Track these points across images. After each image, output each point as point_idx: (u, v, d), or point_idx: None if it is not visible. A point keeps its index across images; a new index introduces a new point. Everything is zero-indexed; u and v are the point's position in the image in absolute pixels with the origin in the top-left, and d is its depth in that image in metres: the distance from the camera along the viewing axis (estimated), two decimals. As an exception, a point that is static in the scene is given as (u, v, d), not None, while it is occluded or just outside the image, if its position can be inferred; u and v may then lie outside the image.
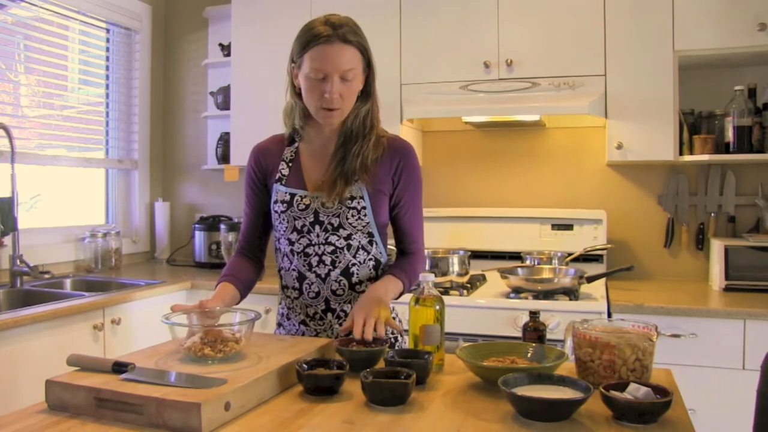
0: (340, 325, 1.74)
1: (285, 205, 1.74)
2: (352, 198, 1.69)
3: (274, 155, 1.81)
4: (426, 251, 2.92)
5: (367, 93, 1.74)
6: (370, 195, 1.70)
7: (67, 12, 3.43)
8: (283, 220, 1.75)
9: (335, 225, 1.70)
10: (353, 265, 1.73)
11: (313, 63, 1.61)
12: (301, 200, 1.72)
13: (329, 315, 1.75)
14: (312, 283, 1.74)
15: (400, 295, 1.76)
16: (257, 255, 1.87)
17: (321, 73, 1.61)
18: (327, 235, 1.70)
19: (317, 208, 1.70)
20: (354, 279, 1.73)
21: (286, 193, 1.74)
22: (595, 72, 2.86)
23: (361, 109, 1.72)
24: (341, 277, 1.73)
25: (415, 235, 1.82)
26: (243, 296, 1.76)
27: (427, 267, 2.79)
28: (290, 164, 1.78)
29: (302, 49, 1.64)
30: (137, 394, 1.15)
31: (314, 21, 1.65)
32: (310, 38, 1.62)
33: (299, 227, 1.72)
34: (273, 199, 1.78)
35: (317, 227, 1.70)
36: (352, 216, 1.69)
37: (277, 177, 1.78)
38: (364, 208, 1.70)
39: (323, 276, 1.73)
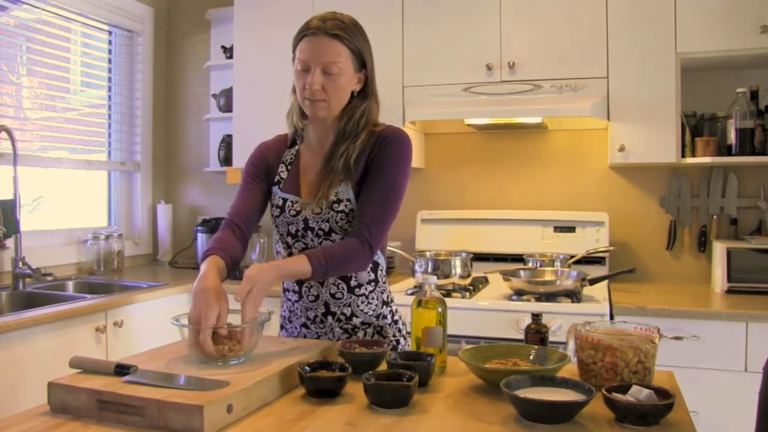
0: (341, 328, 1.74)
1: (278, 209, 1.74)
2: (339, 201, 1.67)
3: (277, 155, 1.81)
4: (429, 253, 2.95)
5: (365, 93, 1.73)
6: (356, 196, 1.68)
7: (69, 14, 3.43)
8: (279, 224, 1.75)
9: (326, 230, 1.68)
10: None
11: (299, 55, 1.64)
12: (293, 206, 1.72)
13: (330, 318, 1.74)
14: (311, 287, 1.73)
15: (310, 280, 1.63)
16: (244, 231, 1.74)
17: (304, 64, 1.63)
18: (320, 240, 1.69)
19: (307, 215, 1.69)
20: (353, 282, 1.72)
21: (280, 198, 1.74)
22: (598, 74, 2.86)
23: (357, 108, 1.70)
24: (339, 281, 1.72)
25: (363, 216, 1.63)
26: (230, 274, 1.66)
27: (430, 269, 2.79)
28: (289, 167, 1.78)
29: (294, 42, 1.67)
30: (139, 396, 1.15)
31: (313, 16, 1.67)
32: (300, 30, 1.65)
33: (293, 232, 1.72)
34: (271, 202, 1.78)
35: (309, 233, 1.70)
36: (341, 219, 1.67)
37: (276, 180, 1.78)
38: (352, 210, 1.68)
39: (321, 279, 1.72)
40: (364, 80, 1.72)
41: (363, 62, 1.69)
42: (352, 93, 1.71)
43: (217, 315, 1.42)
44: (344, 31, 1.63)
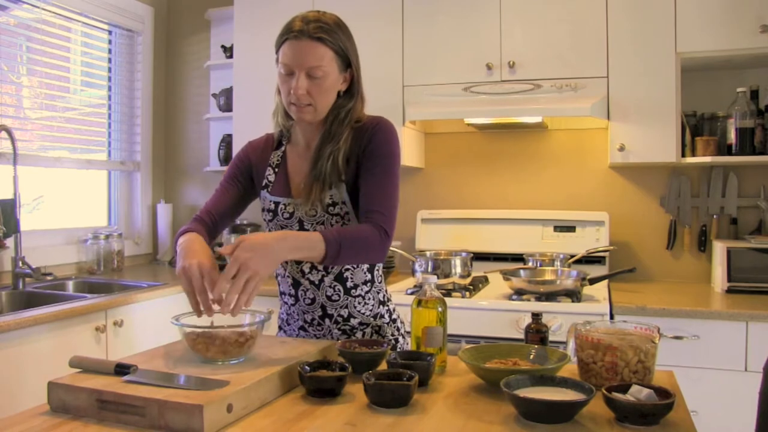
0: (339, 329, 1.73)
1: (271, 213, 1.73)
2: (334, 204, 1.65)
3: (262, 156, 1.80)
4: (429, 253, 2.95)
5: (351, 93, 1.71)
6: (351, 197, 1.67)
7: (70, 14, 3.43)
8: (272, 228, 1.74)
9: None
10: (346, 269, 1.71)
11: (282, 58, 1.61)
12: (285, 208, 1.71)
13: (327, 320, 1.73)
14: (307, 290, 1.73)
15: (324, 260, 1.49)
16: (211, 229, 1.73)
17: (288, 68, 1.60)
18: None
19: (301, 217, 1.68)
20: (349, 284, 1.72)
21: (271, 201, 1.73)
22: (598, 74, 2.86)
23: (342, 108, 1.68)
24: (335, 283, 1.71)
25: (371, 203, 1.61)
26: None
27: (430, 268, 2.79)
28: (276, 169, 1.76)
29: (277, 44, 1.64)
30: (139, 396, 1.15)
31: (296, 16, 1.63)
32: (283, 33, 1.61)
33: None
34: (261, 206, 1.77)
35: None
36: (336, 222, 1.66)
37: (263, 183, 1.76)
38: (347, 213, 1.66)
39: (317, 282, 1.71)
40: (349, 79, 1.70)
41: (348, 62, 1.67)
42: (339, 92, 1.69)
43: (211, 265, 1.43)
44: (327, 32, 1.59)
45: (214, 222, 1.74)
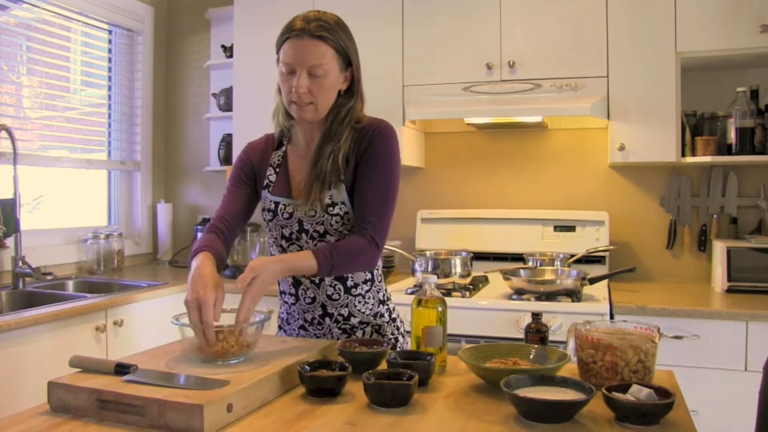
0: (339, 329, 1.74)
1: (271, 213, 1.73)
2: (334, 204, 1.66)
3: (263, 157, 1.80)
4: (429, 252, 2.95)
5: (351, 92, 1.71)
6: (350, 196, 1.67)
7: (70, 13, 3.43)
8: (272, 228, 1.74)
9: (321, 232, 1.67)
10: None
11: (283, 57, 1.62)
12: (285, 209, 1.71)
13: (327, 320, 1.74)
14: (307, 289, 1.73)
15: (316, 276, 1.61)
16: (227, 236, 1.73)
17: (289, 67, 1.61)
18: (315, 242, 1.68)
19: (301, 217, 1.68)
20: (349, 283, 1.72)
21: (271, 201, 1.73)
22: (598, 73, 2.86)
23: (342, 107, 1.69)
24: (336, 282, 1.71)
25: (365, 213, 1.64)
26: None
27: (430, 268, 2.79)
28: (277, 169, 1.77)
29: (278, 43, 1.64)
30: (139, 396, 1.15)
31: (296, 16, 1.63)
32: (284, 32, 1.62)
33: (287, 235, 1.71)
34: (261, 206, 1.77)
35: (304, 235, 1.69)
36: (336, 222, 1.66)
37: (264, 183, 1.77)
38: (347, 213, 1.67)
39: (317, 281, 1.71)
40: (350, 78, 1.70)
41: (348, 61, 1.67)
42: (339, 91, 1.69)
43: (214, 299, 1.42)
44: (328, 31, 1.60)
45: (229, 227, 1.74)
